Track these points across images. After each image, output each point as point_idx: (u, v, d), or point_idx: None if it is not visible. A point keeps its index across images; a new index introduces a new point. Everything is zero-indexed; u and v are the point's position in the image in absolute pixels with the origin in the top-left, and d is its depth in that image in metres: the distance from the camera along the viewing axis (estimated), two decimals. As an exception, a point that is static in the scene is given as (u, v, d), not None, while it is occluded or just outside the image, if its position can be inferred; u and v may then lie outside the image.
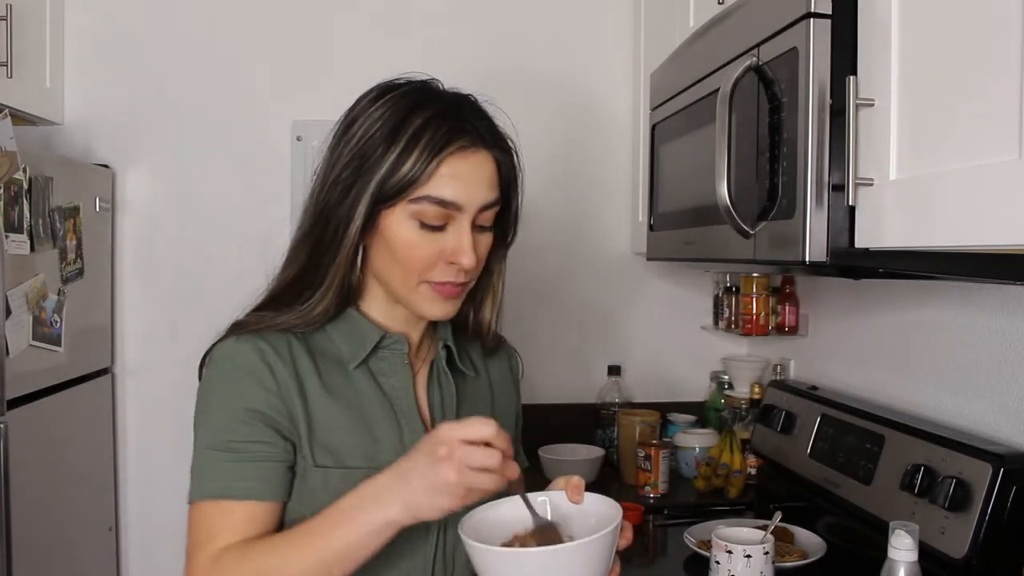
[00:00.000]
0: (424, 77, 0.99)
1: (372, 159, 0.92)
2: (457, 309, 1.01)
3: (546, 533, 0.86)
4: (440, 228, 0.94)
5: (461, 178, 0.93)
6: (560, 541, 0.84)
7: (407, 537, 0.96)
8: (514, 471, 0.83)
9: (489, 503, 0.88)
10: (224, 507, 0.90)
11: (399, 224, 0.93)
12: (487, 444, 0.81)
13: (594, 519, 0.86)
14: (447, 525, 0.98)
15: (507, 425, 1.15)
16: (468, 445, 0.80)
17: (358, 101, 0.98)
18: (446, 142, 0.92)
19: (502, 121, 1.00)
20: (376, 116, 0.94)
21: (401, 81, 0.99)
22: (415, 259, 0.94)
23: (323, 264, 0.96)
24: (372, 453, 0.96)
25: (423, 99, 0.95)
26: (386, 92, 0.97)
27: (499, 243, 1.04)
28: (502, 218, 1.02)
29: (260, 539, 0.90)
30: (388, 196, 0.92)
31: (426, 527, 0.98)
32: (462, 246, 0.94)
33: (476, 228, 0.96)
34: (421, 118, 0.92)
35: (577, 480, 0.90)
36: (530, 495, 0.88)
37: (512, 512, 0.87)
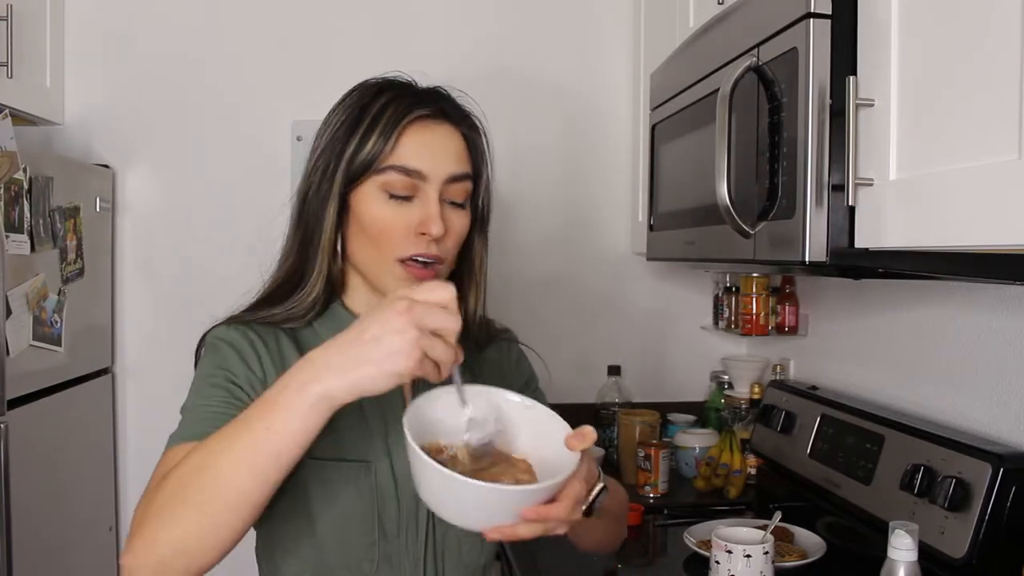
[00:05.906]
0: (400, 76, 1.03)
1: (342, 143, 0.97)
2: None
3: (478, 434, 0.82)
4: (407, 199, 0.96)
5: (424, 146, 0.96)
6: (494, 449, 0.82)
7: (397, 535, 0.96)
8: (461, 354, 0.79)
9: (432, 392, 0.83)
10: (191, 444, 0.83)
11: (368, 200, 0.96)
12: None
13: (550, 453, 0.81)
14: (436, 523, 0.98)
15: None
16: (426, 305, 0.75)
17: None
18: (405, 112, 0.96)
19: (472, 107, 1.03)
20: (347, 104, 1.00)
21: (374, 78, 1.03)
22: (385, 232, 0.95)
23: (310, 252, 0.99)
24: (363, 448, 0.97)
25: (388, 85, 1.00)
26: (358, 87, 1.02)
27: (479, 227, 1.05)
28: (477, 198, 1.04)
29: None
30: (357, 173, 0.96)
31: (416, 526, 0.97)
32: (429, 214, 0.95)
33: (448, 204, 0.97)
34: (384, 99, 0.97)
35: (589, 430, 0.82)
36: (469, 387, 0.83)
37: (452, 403, 0.83)
